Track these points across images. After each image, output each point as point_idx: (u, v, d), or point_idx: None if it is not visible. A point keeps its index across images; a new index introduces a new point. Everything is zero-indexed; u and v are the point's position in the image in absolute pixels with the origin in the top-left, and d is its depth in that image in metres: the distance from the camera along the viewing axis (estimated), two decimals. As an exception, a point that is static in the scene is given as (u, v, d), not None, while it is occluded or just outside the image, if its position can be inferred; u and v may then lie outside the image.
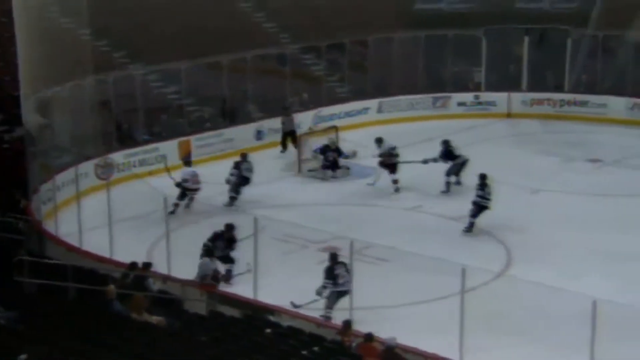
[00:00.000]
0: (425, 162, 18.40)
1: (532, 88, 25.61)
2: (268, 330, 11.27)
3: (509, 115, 25.22)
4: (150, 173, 19.22)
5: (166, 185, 17.48)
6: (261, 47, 23.29)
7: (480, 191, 16.07)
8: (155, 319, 11.18)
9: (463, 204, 16.51)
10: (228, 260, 13.72)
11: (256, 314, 12.26)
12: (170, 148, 20.22)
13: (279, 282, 13.56)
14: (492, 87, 25.71)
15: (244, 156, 18.28)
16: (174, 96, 22.03)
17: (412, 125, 23.66)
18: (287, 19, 25.65)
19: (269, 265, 13.50)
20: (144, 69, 21.59)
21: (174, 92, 22.00)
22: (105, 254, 14.08)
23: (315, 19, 25.46)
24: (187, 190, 17.44)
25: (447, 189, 18.30)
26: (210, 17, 24.05)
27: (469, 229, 16.04)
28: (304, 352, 10.30)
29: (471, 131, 23.52)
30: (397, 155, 18.35)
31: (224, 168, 18.33)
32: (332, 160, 19.69)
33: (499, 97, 25.31)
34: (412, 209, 17.56)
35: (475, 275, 11.78)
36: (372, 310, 12.40)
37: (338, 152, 19.90)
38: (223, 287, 13.36)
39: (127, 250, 14.00)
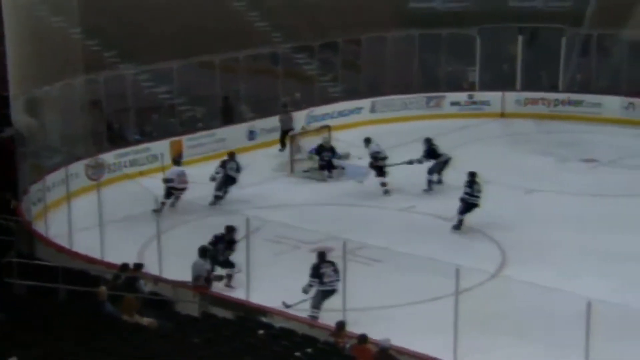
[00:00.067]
0: (410, 162, 18.44)
1: (526, 87, 25.68)
2: (261, 332, 11.26)
3: (503, 114, 25.28)
4: (142, 173, 19.21)
5: (157, 186, 17.48)
6: (253, 47, 23.30)
7: (468, 188, 16.16)
8: (146, 320, 11.16)
9: (457, 204, 16.48)
10: (229, 264, 13.66)
11: (249, 316, 12.25)
12: (161, 148, 20.19)
13: (271, 283, 13.54)
14: (486, 86, 25.77)
15: (231, 155, 18.31)
16: (165, 96, 22.02)
17: (405, 125, 23.69)
18: (280, 18, 25.65)
19: (261, 266, 13.48)
20: (135, 69, 21.56)
21: (165, 92, 21.99)
22: (96, 255, 14.05)
23: (308, 18, 25.47)
24: (172, 189, 17.48)
25: (430, 188, 18.37)
26: (202, 16, 24.04)
27: (458, 226, 16.14)
28: (297, 354, 10.29)
29: (465, 131, 23.57)
30: (382, 159, 18.30)
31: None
32: (327, 160, 19.70)
33: (493, 97, 25.36)
34: (405, 209, 17.57)
35: (469, 276, 11.82)
36: (365, 311, 12.40)
37: (332, 151, 19.92)
38: (225, 291, 13.28)
39: (118, 251, 13.97)
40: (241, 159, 18.60)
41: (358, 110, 24.64)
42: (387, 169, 18.30)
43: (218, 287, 13.50)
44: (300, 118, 22.72)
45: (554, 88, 25.56)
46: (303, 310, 12.68)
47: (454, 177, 17.54)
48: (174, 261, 13.44)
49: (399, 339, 10.82)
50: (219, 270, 13.71)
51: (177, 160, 18.60)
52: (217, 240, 13.70)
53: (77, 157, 18.39)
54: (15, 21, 17.51)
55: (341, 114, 24.17)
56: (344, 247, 11.59)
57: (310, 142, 20.91)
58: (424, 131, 21.76)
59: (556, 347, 11.62)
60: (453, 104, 25.39)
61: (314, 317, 12.44)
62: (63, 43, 19.65)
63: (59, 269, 12.36)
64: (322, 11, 25.73)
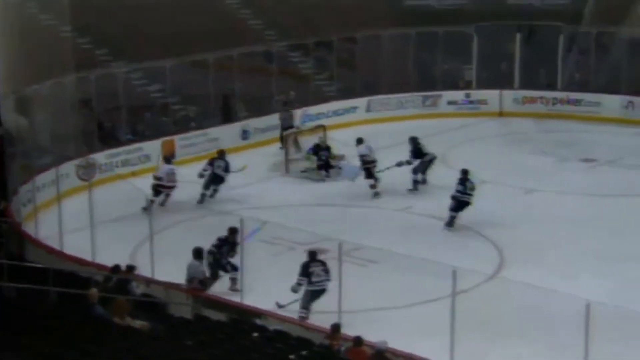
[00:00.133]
0: (400, 164, 18.45)
1: (524, 86, 25.70)
2: (255, 334, 11.25)
3: (500, 114, 25.30)
4: (133, 173, 19.17)
5: (150, 186, 17.46)
6: (247, 45, 23.27)
7: (460, 186, 16.22)
8: (138, 323, 11.13)
9: (454, 205, 16.63)
10: (232, 267, 13.61)
11: (243, 318, 12.23)
12: (154, 148, 20.16)
13: (265, 284, 13.54)
14: (484, 85, 25.79)
15: (220, 153, 18.36)
16: (158, 95, 21.99)
17: (401, 124, 23.68)
18: (274, 15, 25.67)
19: (255, 268, 13.48)
20: (127, 67, 21.54)
21: (158, 91, 21.96)
22: (87, 256, 14.02)
23: (303, 15, 25.49)
24: (160, 187, 17.50)
25: (415, 188, 18.40)
26: (196, 14, 24.04)
27: (450, 223, 16.21)
28: (292, 357, 10.27)
29: (462, 130, 23.59)
30: (369, 162, 18.25)
31: (209, 168, 18.35)
32: (324, 160, 19.70)
33: (491, 96, 25.38)
34: (402, 210, 17.57)
35: (467, 277, 11.81)
36: (361, 313, 12.40)
37: (329, 151, 19.91)
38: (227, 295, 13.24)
39: (110, 252, 13.94)
40: (237, 159, 18.60)
41: (353, 109, 24.64)
42: (378, 173, 18.25)
43: (222, 290, 13.33)
44: (294, 117, 22.69)
45: (552, 87, 25.59)
46: (297, 311, 12.67)
47: (452, 176, 17.53)
48: (166, 263, 13.41)
49: (395, 341, 10.81)
50: (222, 274, 13.59)
51: (167, 158, 18.62)
52: (221, 243, 13.50)
53: (68, 157, 18.33)
54: (4, 19, 17.48)
55: (336, 113, 24.16)
56: (339, 248, 11.58)
57: (306, 142, 20.89)
58: (420, 131, 21.76)
59: (555, 349, 11.62)
60: (450, 103, 25.40)
61: (303, 318, 12.44)
62: (53, 41, 19.63)
63: (49, 271, 12.32)
64: (317, 9, 25.74)
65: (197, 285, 12.96)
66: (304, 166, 20.11)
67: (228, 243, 13.52)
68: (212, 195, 18.15)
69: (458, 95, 25.49)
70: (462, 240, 15.94)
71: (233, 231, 13.47)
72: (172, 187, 17.63)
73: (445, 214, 16.51)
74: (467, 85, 26.15)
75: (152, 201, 17.24)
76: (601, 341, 10.23)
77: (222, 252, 13.43)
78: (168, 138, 20.82)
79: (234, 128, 22.13)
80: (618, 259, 14.70)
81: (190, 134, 21.41)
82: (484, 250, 15.37)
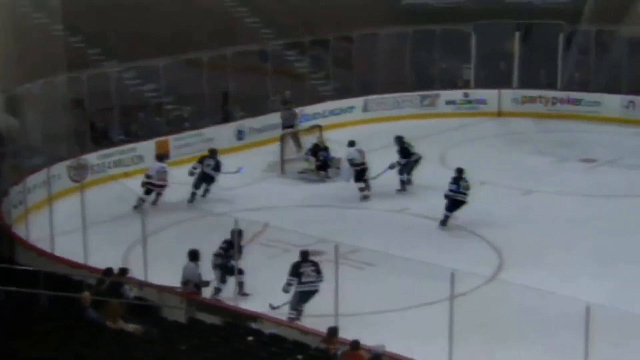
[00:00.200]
0: (391, 167, 18.49)
1: (523, 85, 25.72)
2: (250, 338, 11.23)
3: (499, 113, 25.31)
4: (126, 174, 19.14)
5: (140, 184, 17.47)
6: (242, 43, 23.25)
7: (453, 185, 16.29)
8: (131, 326, 11.11)
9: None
10: (239, 271, 13.53)
11: (237, 321, 12.21)
12: (147, 148, 20.13)
13: (261, 287, 13.52)
14: (482, 84, 25.80)
15: (211, 152, 18.39)
16: (151, 94, 21.97)
17: (398, 124, 23.64)
18: (270, 14, 25.67)
19: (251, 270, 13.45)
20: (120, 66, 21.52)
21: (151, 90, 21.94)
22: (79, 259, 13.97)
23: (299, 14, 25.48)
24: (150, 185, 17.50)
25: (403, 188, 18.44)
26: (190, 12, 24.02)
27: (444, 222, 16.29)
28: (287, 361, 10.27)
29: (460, 130, 23.60)
30: (356, 165, 18.19)
31: (204, 169, 18.33)
32: (323, 160, 19.69)
33: (489, 95, 25.39)
34: (399, 211, 17.56)
35: (465, 280, 11.79)
36: (358, 317, 12.38)
37: (327, 151, 19.90)
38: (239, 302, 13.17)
39: (102, 255, 13.90)
40: (232, 159, 18.57)
41: (350, 109, 24.64)
42: (372, 179, 18.21)
43: (229, 296, 13.23)
44: (297, 116, 22.65)
45: (551, 86, 25.61)
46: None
47: (450, 177, 17.54)
48: (160, 265, 13.38)
49: (393, 345, 10.79)
50: (228, 279, 13.49)
51: (160, 156, 18.63)
52: (228, 246, 13.31)
53: (59, 158, 18.30)
54: (-5, 17, 17.44)
55: (332, 112, 24.16)
56: (336, 250, 11.56)
57: (303, 142, 20.89)
58: (418, 131, 21.81)
59: (554, 352, 11.62)
60: (448, 102, 25.41)
61: (292, 319, 12.44)
62: (45, 40, 19.60)
63: (40, 274, 12.27)
64: (313, 7, 25.75)
65: (192, 289, 12.92)
66: (301, 167, 20.09)
67: (233, 246, 13.44)
68: (203, 195, 18.16)
69: (456, 94, 25.49)
70: (460, 241, 15.94)
71: (238, 234, 13.41)
72: (162, 186, 17.65)
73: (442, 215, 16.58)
74: (466, 85, 26.15)
75: (142, 200, 17.29)
76: (601, 344, 10.22)
77: (229, 256, 13.30)
78: (162, 138, 20.79)
79: (229, 128, 22.12)
80: (618, 260, 14.71)
81: (185, 134, 21.38)
82: (483, 251, 15.37)
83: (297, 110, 22.67)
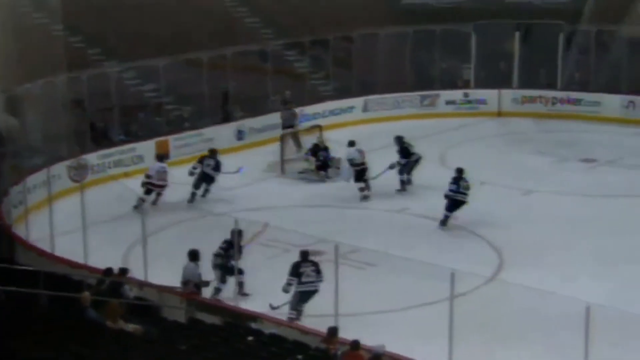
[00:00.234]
0: (392, 167, 18.50)
1: (523, 85, 25.71)
2: (250, 338, 11.23)
3: (499, 113, 25.31)
4: (126, 174, 19.15)
5: (140, 184, 17.47)
6: (242, 43, 23.26)
7: (453, 185, 16.34)
8: (131, 327, 11.11)
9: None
10: (239, 271, 13.55)
11: (237, 321, 12.21)
12: (147, 148, 20.13)
13: (261, 287, 13.53)
14: (482, 84, 25.81)
15: (211, 152, 18.42)
16: (151, 94, 21.98)
17: (398, 124, 23.64)
18: (270, 14, 25.68)
19: (250, 270, 13.46)
20: (120, 66, 21.52)
21: (151, 90, 21.95)
22: (79, 259, 13.98)
23: (299, 14, 25.48)
24: (150, 185, 17.53)
25: (403, 188, 18.45)
26: (190, 12, 24.02)
27: (444, 222, 16.34)
28: (288, 361, 10.27)
29: (460, 130, 23.61)
30: (356, 165, 18.19)
31: (204, 169, 18.34)
32: (323, 160, 19.69)
33: (489, 95, 25.39)
34: (399, 211, 17.57)
35: (465, 280, 11.80)
36: (358, 317, 12.38)
37: (327, 151, 19.90)
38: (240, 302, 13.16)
39: (102, 255, 13.90)
40: (232, 159, 18.55)
41: (350, 109, 24.64)
42: (373, 180, 18.22)
43: (229, 296, 13.23)
44: (297, 116, 22.65)
45: (551, 86, 25.61)
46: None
47: (450, 177, 17.57)
48: (160, 265, 13.39)
49: (393, 345, 10.79)
50: (228, 279, 13.48)
51: (160, 156, 18.65)
52: (228, 246, 13.30)
53: (59, 158, 18.31)
54: (-4, 17, 17.44)
55: (332, 112, 24.16)
56: (336, 250, 11.56)
57: (303, 142, 20.89)
58: (418, 131, 21.81)
59: (554, 352, 11.62)
60: (448, 102, 25.41)
61: (292, 319, 12.45)
62: (45, 40, 19.61)
63: (40, 274, 12.27)
64: (312, 7, 25.75)
65: (192, 289, 12.92)
66: (301, 167, 20.09)
67: (233, 246, 13.44)
68: (203, 195, 18.18)
69: (456, 94, 25.50)
70: (460, 241, 15.95)
71: (238, 233, 13.42)
72: (162, 186, 17.67)
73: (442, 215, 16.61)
74: (466, 85, 26.15)
75: (142, 200, 17.31)
76: (601, 344, 10.23)
77: (229, 255, 13.30)
78: (162, 138, 20.79)
79: (229, 128, 22.12)
80: (618, 260, 14.72)
81: (185, 134, 21.38)
82: (483, 251, 15.37)
83: (297, 110, 22.68)
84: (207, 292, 13.15)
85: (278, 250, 15.22)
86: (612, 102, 24.28)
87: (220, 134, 21.60)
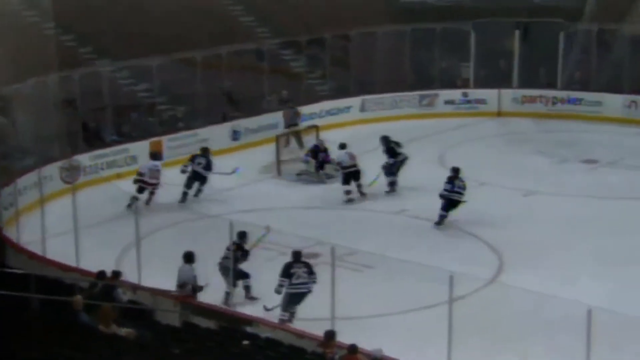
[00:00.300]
0: (384, 169, 18.55)
1: (523, 85, 25.74)
2: (245, 342, 11.22)
3: (499, 113, 25.34)
4: (119, 176, 19.15)
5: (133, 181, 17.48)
6: (238, 42, 23.26)
7: (448, 185, 16.45)
8: (124, 331, 11.10)
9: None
10: (244, 275, 13.50)
11: (233, 325, 12.21)
12: (140, 149, 20.12)
13: (257, 291, 13.53)
14: (482, 83, 25.84)
15: (203, 150, 18.47)
16: (144, 94, 21.96)
17: (397, 124, 23.69)
18: (266, 12, 25.67)
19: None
20: (112, 65, 21.52)
21: (144, 90, 21.93)
22: (71, 262, 13.97)
23: (295, 12, 25.50)
24: (143, 183, 17.55)
25: (392, 189, 18.51)
26: (185, 11, 24.01)
27: (439, 222, 16.43)
28: (284, 365, 10.27)
29: (460, 130, 23.63)
30: (346, 167, 18.19)
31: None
32: (321, 161, 19.71)
33: (489, 95, 25.42)
34: (397, 213, 17.58)
35: (464, 282, 11.81)
36: (355, 320, 12.39)
37: (326, 152, 19.92)
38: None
39: (95, 258, 13.88)
40: (227, 160, 18.53)
41: (347, 109, 24.65)
42: (364, 183, 18.25)
43: (239, 300, 13.28)
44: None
45: (552, 85, 25.64)
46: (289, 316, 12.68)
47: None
48: (153, 268, 13.37)
49: (391, 349, 10.80)
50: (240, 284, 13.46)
51: (153, 154, 18.67)
52: (238, 248, 13.27)
53: (51, 159, 18.31)
54: (-14, 16, 17.43)
55: (329, 112, 24.17)
56: (332, 252, 11.56)
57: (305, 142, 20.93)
58: (416, 131, 21.86)
59: (555, 356, 11.63)
60: (447, 102, 25.43)
61: (283, 321, 12.48)
62: (36, 39, 19.61)
63: (31, 277, 12.26)
64: (309, 5, 25.76)
65: (189, 291, 12.91)
66: (298, 168, 20.09)
67: (240, 249, 13.44)
68: (196, 195, 18.23)
69: (455, 94, 25.52)
70: (459, 243, 15.97)
71: (243, 235, 13.41)
72: (154, 184, 17.69)
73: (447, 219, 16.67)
74: (465, 84, 26.18)
75: (135, 198, 17.32)
76: (602, 347, 10.24)
77: (237, 257, 13.27)
78: (155, 139, 20.77)
79: (224, 128, 22.12)
80: (619, 262, 14.74)
81: (179, 134, 21.37)
82: (482, 253, 15.39)
83: (293, 109, 22.71)
84: (217, 298, 13.06)
85: (274, 253, 15.19)
86: (614, 102, 24.31)
87: (216, 135, 21.59)
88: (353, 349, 10.65)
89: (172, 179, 17.91)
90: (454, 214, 16.59)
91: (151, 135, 20.91)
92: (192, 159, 18.25)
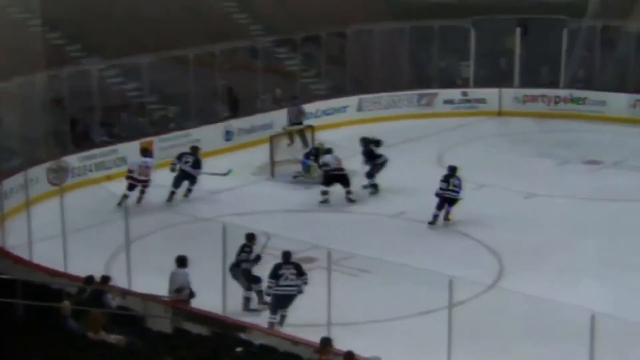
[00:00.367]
0: (372, 169, 18.65)
1: (524, 84, 25.80)
2: (239, 349, 11.21)
3: (499, 113, 25.38)
4: (109, 177, 19.15)
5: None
6: (231, 40, 23.27)
7: (443, 183, 16.63)
8: (114, 337, 11.08)
9: (451, 210, 16.67)
10: (256, 279, 13.50)
11: (226, 332, 12.19)
12: (130, 150, 20.10)
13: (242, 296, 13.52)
14: (482, 82, 25.88)
15: (192, 149, 18.59)
16: (134, 93, 21.96)
17: (394, 124, 23.73)
18: (260, 9, 25.69)
19: (232, 279, 13.43)
20: (101, 64, 21.50)
21: (134, 89, 21.93)
22: (59, 267, 13.94)
23: (290, 9, 25.52)
24: (133, 180, 17.57)
25: (375, 190, 18.59)
26: (176, 7, 24.02)
27: (432, 221, 16.61)
28: (278, 373, 10.26)
29: (459, 130, 23.67)
30: (330, 170, 18.27)
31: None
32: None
33: (489, 94, 25.47)
34: (395, 216, 17.59)
35: (464, 287, 11.81)
36: (352, 326, 12.39)
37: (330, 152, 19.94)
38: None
39: (83, 262, 13.85)
40: (220, 161, 18.52)
41: (343, 108, 24.67)
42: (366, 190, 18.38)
43: (255, 306, 13.32)
44: (280, 118, 22.68)
45: (554, 84, 25.69)
46: (286, 325, 12.65)
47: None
48: (144, 273, 13.36)
49: (389, 356, 10.78)
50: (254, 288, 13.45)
51: (144, 150, 18.72)
52: (249, 251, 13.29)
53: (38, 160, 18.27)
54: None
55: (325, 112, 24.19)
56: (328, 256, 11.56)
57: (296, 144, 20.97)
58: (415, 131, 21.89)
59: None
60: (446, 102, 25.48)
61: (272, 324, 12.53)
62: (23, 36, 19.57)
63: (17, 283, 12.23)
64: (304, 2, 25.78)
65: (186, 296, 12.89)
66: (293, 170, 20.09)
67: (252, 251, 13.44)
68: (185, 195, 18.24)
69: (455, 93, 25.56)
70: (458, 246, 15.99)
71: (252, 237, 13.40)
72: (145, 182, 17.72)
73: (442, 219, 16.66)
74: (464, 83, 26.22)
75: (126, 195, 17.32)
76: (606, 353, 10.24)
77: (249, 260, 13.31)
78: (146, 140, 20.75)
79: (217, 129, 22.12)
80: (623, 266, 14.77)
81: (170, 135, 21.36)
82: (482, 257, 15.41)
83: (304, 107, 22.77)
84: (237, 305, 13.08)
85: (268, 257, 15.19)
86: (618, 102, 24.36)
87: (208, 135, 21.59)
88: (349, 356, 10.63)
89: (163, 180, 17.90)
90: (455, 216, 16.61)
91: (142, 136, 20.91)
92: (179, 157, 18.30)
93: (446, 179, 16.68)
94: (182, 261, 12.99)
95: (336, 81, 25.15)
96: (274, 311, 12.70)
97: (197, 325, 12.33)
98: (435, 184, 17.04)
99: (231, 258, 13.22)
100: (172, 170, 18.16)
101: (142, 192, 17.83)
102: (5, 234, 15.36)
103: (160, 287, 13.01)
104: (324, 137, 21.13)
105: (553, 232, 16.38)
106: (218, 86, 22.85)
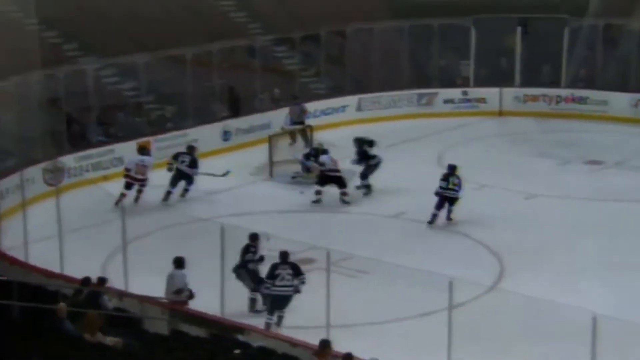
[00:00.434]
0: (363, 173, 18.70)
1: (525, 83, 25.82)
2: (237, 351, 11.23)
3: (500, 113, 25.40)
4: (105, 178, 19.16)
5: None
6: (229, 39, 23.28)
7: (443, 182, 16.73)
8: (110, 339, 11.10)
9: (451, 210, 16.68)
10: (262, 280, 13.51)
11: (224, 333, 12.21)
12: (127, 150, 20.11)
13: (247, 297, 13.53)
14: (482, 82, 25.90)
15: (188, 149, 18.65)
16: (131, 93, 21.96)
17: (394, 124, 23.75)
18: (258, 8, 25.70)
19: (236, 280, 13.46)
20: (98, 63, 21.50)
21: (131, 89, 21.93)
22: (55, 268, 13.95)
23: (289, 7, 25.53)
24: (130, 179, 17.61)
25: (369, 191, 18.64)
26: (173, 6, 24.04)
27: (431, 220, 16.68)
28: (276, 375, 10.29)
29: (459, 130, 23.69)
30: (326, 170, 18.32)
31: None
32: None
33: (490, 93, 25.48)
34: (395, 216, 17.61)
35: (464, 288, 11.83)
36: (351, 328, 12.41)
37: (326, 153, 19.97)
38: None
39: (79, 263, 13.87)
40: (218, 161, 18.52)
41: (343, 108, 24.69)
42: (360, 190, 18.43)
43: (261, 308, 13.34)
44: (279, 117, 22.71)
45: (555, 84, 25.71)
46: (285, 327, 12.67)
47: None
48: (141, 274, 13.38)
49: (388, 358, 10.81)
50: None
51: (141, 149, 18.76)
52: (255, 252, 13.35)
53: (34, 160, 18.28)
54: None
55: (324, 112, 24.21)
56: (327, 257, 11.58)
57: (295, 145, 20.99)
58: (414, 131, 21.89)
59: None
60: (446, 101, 25.50)
61: (269, 325, 12.58)
62: (18, 35, 19.57)
63: (13, 284, 12.24)
64: (304, 0, 25.78)
65: (186, 298, 12.91)
66: (292, 170, 20.10)
67: (256, 251, 13.47)
68: (182, 195, 18.27)
69: (455, 93, 25.58)
70: (458, 247, 16.01)
71: (255, 238, 13.43)
72: (142, 180, 17.75)
73: (442, 220, 16.73)
74: (465, 83, 26.23)
75: (123, 194, 17.33)
76: (607, 355, 10.26)
77: (255, 260, 13.36)
78: (143, 139, 20.75)
79: (214, 129, 22.13)
80: (624, 267, 14.79)
81: (168, 135, 21.37)
82: (482, 258, 15.43)
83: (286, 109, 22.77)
84: (243, 306, 13.13)
85: (269, 258, 15.22)
86: (620, 101, 24.38)
87: (205, 135, 21.60)
88: (348, 358, 10.66)
89: (160, 181, 17.92)
90: (455, 216, 16.64)
91: (139, 136, 20.91)
92: (176, 156, 18.34)
93: (446, 178, 16.75)
94: (179, 262, 13.02)
95: (335, 80, 25.18)
96: (270, 312, 12.76)
97: (195, 327, 12.35)
98: (435, 184, 17.07)
99: (229, 259, 13.24)
100: (169, 169, 18.20)
101: (140, 191, 17.87)
102: (1, 235, 15.36)
103: (157, 288, 13.03)
104: (323, 137, 21.15)
105: (553, 233, 16.40)
106: (216, 86, 22.88)
